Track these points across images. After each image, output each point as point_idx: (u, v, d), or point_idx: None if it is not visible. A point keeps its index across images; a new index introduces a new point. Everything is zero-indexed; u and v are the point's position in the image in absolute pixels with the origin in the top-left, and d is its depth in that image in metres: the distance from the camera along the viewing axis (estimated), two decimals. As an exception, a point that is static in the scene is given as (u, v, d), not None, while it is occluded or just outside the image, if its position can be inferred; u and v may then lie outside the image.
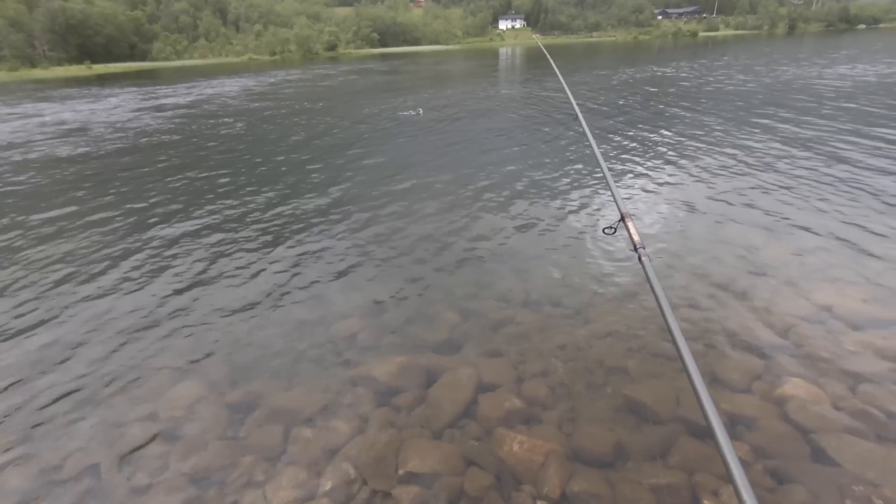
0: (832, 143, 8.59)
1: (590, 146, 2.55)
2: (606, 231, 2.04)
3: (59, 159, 10.81)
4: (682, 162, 8.05)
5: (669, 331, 1.32)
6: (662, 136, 10.03)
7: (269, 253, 5.46)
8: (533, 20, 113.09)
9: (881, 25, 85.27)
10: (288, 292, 4.61)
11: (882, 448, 2.56)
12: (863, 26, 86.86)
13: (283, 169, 9.11)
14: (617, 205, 2.01)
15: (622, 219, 1.93)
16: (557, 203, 6.52)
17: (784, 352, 3.39)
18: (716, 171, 7.44)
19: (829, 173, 7.00)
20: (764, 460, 2.56)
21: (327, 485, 2.57)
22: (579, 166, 8.13)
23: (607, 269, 4.67)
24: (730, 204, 6.13)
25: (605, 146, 9.33)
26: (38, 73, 53.90)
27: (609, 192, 6.74)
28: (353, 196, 7.26)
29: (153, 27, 78.86)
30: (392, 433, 2.90)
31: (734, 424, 2.79)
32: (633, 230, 1.82)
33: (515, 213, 6.23)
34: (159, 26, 79.89)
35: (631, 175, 7.50)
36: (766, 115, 11.63)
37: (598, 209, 6.24)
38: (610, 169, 7.58)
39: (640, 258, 1.65)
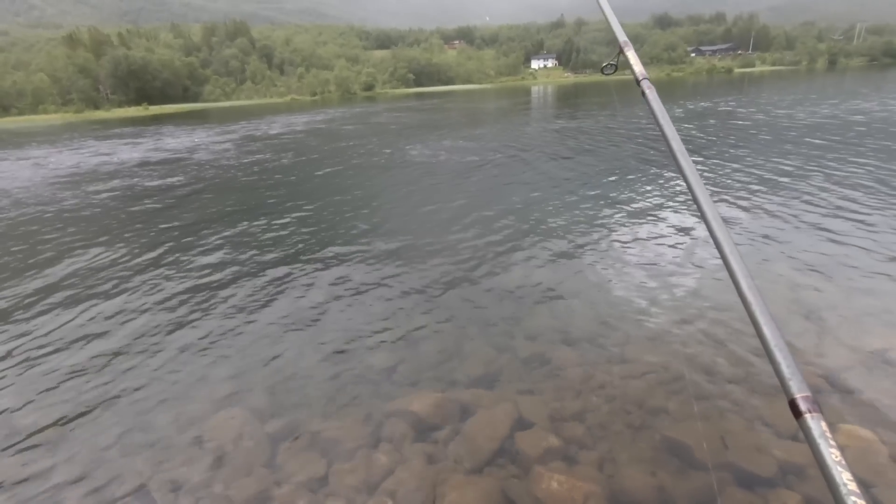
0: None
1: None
2: (606, 71, 1.69)
3: (123, 193, 11.59)
4: (732, 200, 7.94)
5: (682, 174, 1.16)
6: (716, 171, 9.91)
7: (310, 284, 5.65)
8: (565, 59, 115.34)
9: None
10: (328, 323, 4.75)
11: (948, 505, 2.40)
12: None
13: (332, 202, 9.46)
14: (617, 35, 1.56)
15: (620, 51, 1.53)
16: (594, 240, 6.52)
17: (836, 397, 3.25)
18: (767, 207, 7.30)
19: (887, 212, 6.76)
20: (817, 513, 2.44)
21: (366, 517, 2.60)
22: (617, 203, 8.14)
23: (644, 307, 4.62)
24: (780, 242, 5.99)
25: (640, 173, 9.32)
26: (101, 114, 58.42)
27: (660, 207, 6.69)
28: (395, 229, 7.46)
29: (205, 72, 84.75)
30: (430, 468, 2.91)
31: (784, 474, 2.68)
32: (634, 60, 1.47)
33: (552, 249, 6.26)
34: (210, 70, 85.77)
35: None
36: (822, 150, 11.37)
37: (636, 249, 6.20)
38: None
39: (643, 92, 1.38)
